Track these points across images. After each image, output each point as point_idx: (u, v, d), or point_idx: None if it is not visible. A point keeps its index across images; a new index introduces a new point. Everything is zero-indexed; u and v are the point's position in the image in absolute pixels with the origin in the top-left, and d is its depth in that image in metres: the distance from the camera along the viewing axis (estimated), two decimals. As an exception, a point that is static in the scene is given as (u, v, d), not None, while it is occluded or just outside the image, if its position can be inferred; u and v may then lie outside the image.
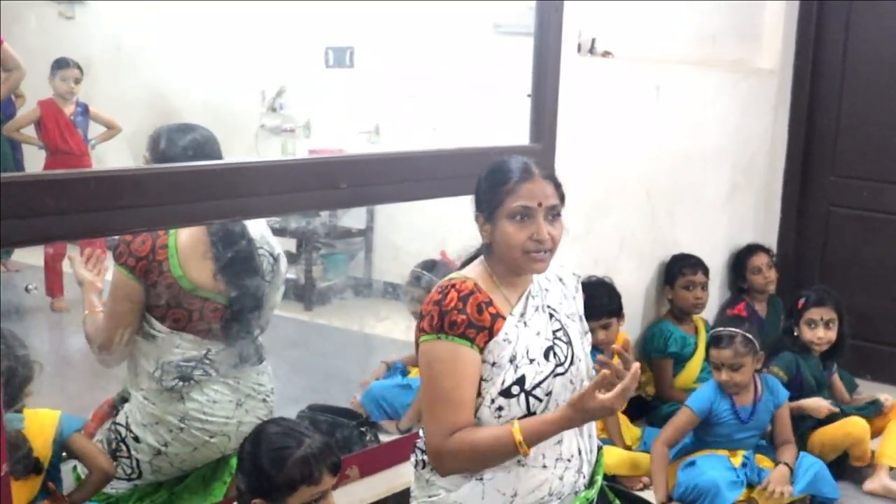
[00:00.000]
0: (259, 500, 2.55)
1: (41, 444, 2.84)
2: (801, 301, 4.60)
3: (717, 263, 5.44)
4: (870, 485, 4.31)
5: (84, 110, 5.30)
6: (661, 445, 4.09)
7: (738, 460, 4.07)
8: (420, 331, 2.53)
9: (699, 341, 4.91)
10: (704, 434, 4.11)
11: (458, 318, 2.46)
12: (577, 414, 2.41)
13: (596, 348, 4.51)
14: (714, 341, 4.12)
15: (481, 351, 2.50)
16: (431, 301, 2.52)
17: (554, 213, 2.54)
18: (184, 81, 5.67)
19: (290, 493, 2.53)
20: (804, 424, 4.41)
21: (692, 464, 4.05)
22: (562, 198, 2.59)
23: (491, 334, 2.50)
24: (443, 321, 2.47)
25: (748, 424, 4.10)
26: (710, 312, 5.22)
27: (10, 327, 3.03)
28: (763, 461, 4.13)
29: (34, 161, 5.17)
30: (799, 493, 4.02)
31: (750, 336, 4.07)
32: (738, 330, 4.08)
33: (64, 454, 2.97)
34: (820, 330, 4.52)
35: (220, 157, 3.16)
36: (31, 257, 4.98)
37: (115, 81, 5.75)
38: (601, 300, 4.46)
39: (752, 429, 4.13)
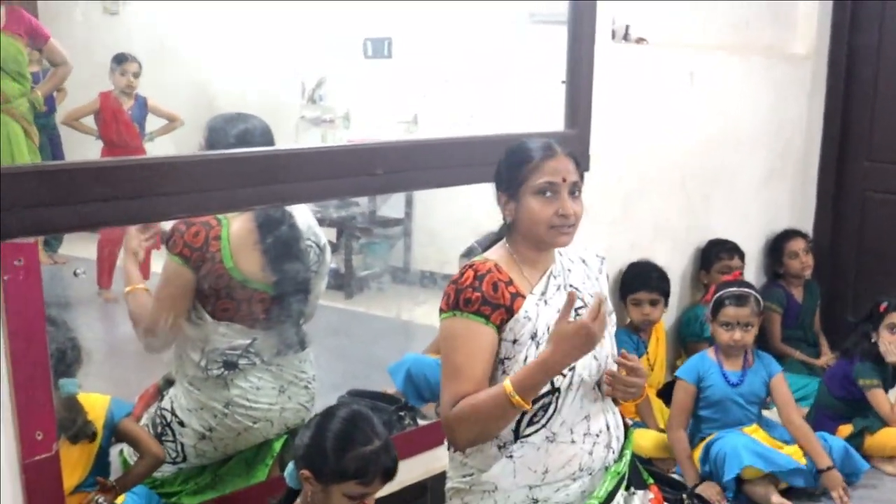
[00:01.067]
0: (308, 472, 2.59)
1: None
2: (884, 305, 4.48)
3: (752, 249, 5.45)
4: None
5: (143, 104, 5.38)
6: (676, 431, 4.16)
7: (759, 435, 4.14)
8: (440, 311, 2.58)
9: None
10: (699, 408, 4.18)
11: (473, 295, 2.51)
12: (556, 346, 2.40)
13: (633, 332, 4.58)
14: (728, 300, 4.17)
15: (499, 329, 2.54)
16: (450, 281, 2.58)
17: (576, 190, 2.59)
18: (225, 74, 5.74)
19: (339, 482, 2.57)
20: (863, 426, 4.43)
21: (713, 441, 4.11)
22: (582, 177, 2.63)
23: (511, 312, 2.53)
24: (458, 299, 2.52)
25: (739, 389, 4.14)
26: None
27: (60, 315, 3.10)
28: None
29: (91, 151, 5.24)
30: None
31: (759, 298, 4.22)
32: (751, 290, 4.22)
33: (113, 438, 3.05)
34: None
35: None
36: (81, 250, 5.06)
37: (158, 76, 5.81)
38: (653, 275, 4.63)
39: (747, 397, 4.17)
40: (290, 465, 2.69)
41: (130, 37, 5.86)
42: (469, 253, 4.07)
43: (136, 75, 5.31)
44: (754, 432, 4.13)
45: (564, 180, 2.55)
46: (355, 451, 2.57)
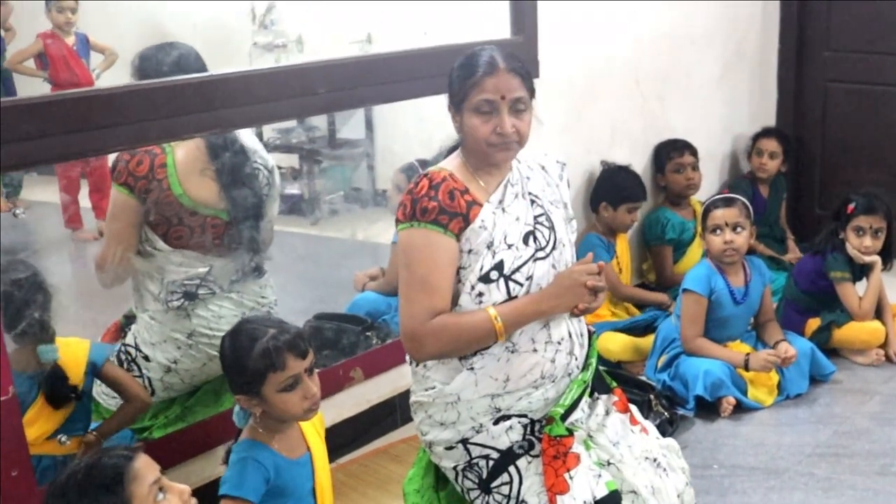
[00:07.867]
0: (241, 396, 2.61)
1: (75, 374, 2.90)
2: (851, 206, 4.41)
3: (713, 146, 5.43)
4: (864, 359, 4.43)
5: (84, 41, 5.26)
6: (694, 341, 4.08)
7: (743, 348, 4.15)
8: (396, 221, 2.57)
9: (698, 225, 4.81)
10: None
11: (430, 204, 2.50)
12: (553, 289, 2.57)
13: (604, 236, 4.57)
14: (714, 205, 4.17)
15: (458, 238, 2.53)
16: (406, 191, 2.57)
17: (520, 106, 2.56)
18: (173, 5, 5.64)
19: (262, 384, 2.56)
20: (830, 320, 4.45)
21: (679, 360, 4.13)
22: (531, 90, 2.60)
23: (467, 221, 2.53)
24: (415, 209, 2.51)
25: (742, 306, 4.14)
26: (706, 194, 5.14)
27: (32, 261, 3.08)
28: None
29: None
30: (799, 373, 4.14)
31: (747, 204, 4.19)
32: (736, 195, 4.22)
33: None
34: (867, 239, 4.37)
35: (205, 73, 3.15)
36: (43, 194, 4.99)
37: (103, 11, 5.71)
38: (631, 182, 4.67)
39: (746, 310, 4.18)
40: (237, 407, 2.71)
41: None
42: (408, 170, 4.07)
43: (74, 11, 5.19)
44: (736, 347, 4.15)
45: (504, 97, 2.53)
46: (255, 351, 2.56)
